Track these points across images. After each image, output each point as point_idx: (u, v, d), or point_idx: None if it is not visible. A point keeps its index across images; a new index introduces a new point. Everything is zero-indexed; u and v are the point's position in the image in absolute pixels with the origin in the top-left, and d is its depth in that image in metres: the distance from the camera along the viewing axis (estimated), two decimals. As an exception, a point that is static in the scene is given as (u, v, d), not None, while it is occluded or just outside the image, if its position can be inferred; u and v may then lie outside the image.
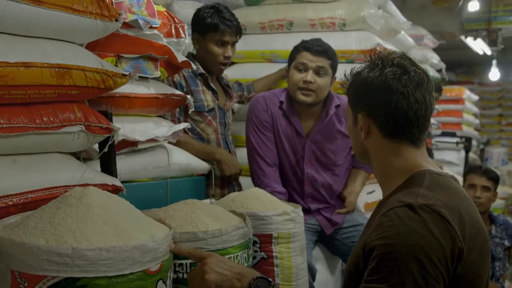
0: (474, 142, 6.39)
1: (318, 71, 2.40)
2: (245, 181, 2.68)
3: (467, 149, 5.33)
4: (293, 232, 1.80)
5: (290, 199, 2.44)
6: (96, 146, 1.67)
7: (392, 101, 1.29)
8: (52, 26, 1.38)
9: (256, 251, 1.74)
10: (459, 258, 1.17)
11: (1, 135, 1.29)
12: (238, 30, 2.53)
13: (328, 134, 2.49)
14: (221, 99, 2.62)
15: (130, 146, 1.86)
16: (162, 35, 1.88)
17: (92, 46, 1.62)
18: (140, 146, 1.91)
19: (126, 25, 1.73)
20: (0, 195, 1.30)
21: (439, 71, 5.19)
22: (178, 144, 2.19)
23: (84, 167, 1.56)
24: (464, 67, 10.24)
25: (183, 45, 2.10)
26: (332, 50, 2.46)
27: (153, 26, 1.83)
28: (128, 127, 1.80)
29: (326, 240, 2.54)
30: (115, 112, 1.74)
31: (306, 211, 2.45)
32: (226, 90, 2.71)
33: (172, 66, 2.00)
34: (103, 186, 1.53)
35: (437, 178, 1.30)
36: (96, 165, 1.69)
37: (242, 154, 2.83)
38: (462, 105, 6.35)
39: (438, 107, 5.44)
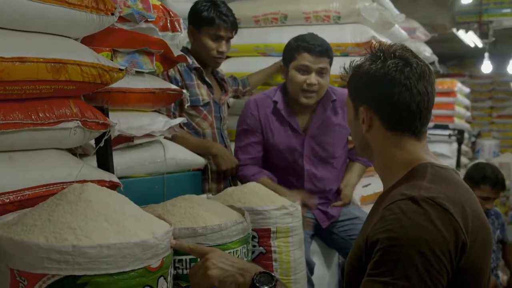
0: (465, 135, 6.41)
1: (320, 72, 2.39)
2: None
3: (460, 142, 5.34)
4: (291, 226, 1.80)
5: None
6: (92, 141, 1.65)
7: (394, 93, 1.27)
8: (48, 20, 1.36)
9: (254, 246, 1.74)
10: (462, 251, 1.16)
11: (-4, 132, 1.27)
12: (233, 26, 2.51)
13: (326, 128, 2.48)
14: (216, 93, 2.61)
15: (126, 141, 1.85)
16: (157, 29, 1.86)
17: (88, 41, 1.60)
18: (136, 142, 1.89)
19: (121, 19, 1.70)
20: (-3, 193, 1.28)
21: (431, 63, 5.20)
22: (174, 139, 2.17)
23: (81, 163, 1.54)
24: (455, 59, 10.27)
25: (177, 39, 2.08)
26: (329, 46, 2.45)
27: (149, 20, 1.80)
28: (124, 122, 1.78)
29: (323, 233, 2.54)
30: (111, 107, 1.72)
31: (303, 205, 2.45)
32: (221, 84, 2.69)
33: (168, 60, 1.98)
34: (100, 182, 1.51)
35: (439, 171, 1.30)
36: (93, 161, 1.68)
37: (236, 148, 2.83)
38: (454, 98, 6.35)
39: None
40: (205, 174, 2.40)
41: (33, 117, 1.35)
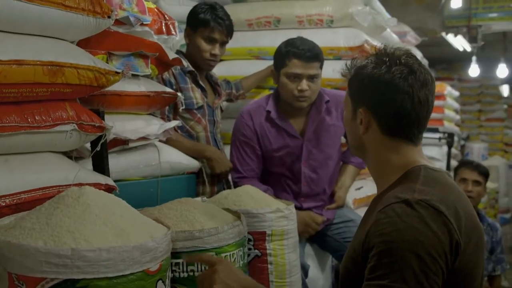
0: (455, 138, 6.45)
1: (311, 77, 2.38)
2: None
3: (450, 145, 5.38)
4: (287, 229, 1.81)
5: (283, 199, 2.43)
6: (88, 145, 1.64)
7: (396, 100, 1.28)
8: (45, 23, 1.36)
9: (250, 249, 1.74)
10: (456, 252, 1.18)
11: (-7, 135, 1.26)
12: (229, 30, 2.52)
13: (321, 130, 2.48)
14: (210, 97, 2.61)
15: (121, 144, 1.84)
16: (153, 32, 1.86)
17: (83, 44, 1.59)
18: (131, 145, 1.89)
19: (117, 22, 1.70)
20: (-7, 196, 1.28)
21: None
22: (168, 142, 2.17)
23: (76, 166, 1.53)
24: (444, 63, 10.35)
25: (172, 42, 2.08)
26: (319, 49, 2.43)
27: (144, 23, 1.81)
28: (119, 126, 1.77)
29: (317, 236, 2.54)
30: (106, 110, 1.72)
31: (298, 209, 2.45)
32: (215, 88, 2.70)
33: (163, 64, 1.98)
34: (96, 186, 1.50)
35: (432, 173, 1.31)
36: (88, 164, 1.67)
37: (228, 151, 2.82)
38: (443, 101, 6.39)
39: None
40: (199, 177, 2.40)
41: (29, 120, 1.35)
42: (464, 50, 7.80)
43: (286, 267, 1.80)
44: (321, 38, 2.67)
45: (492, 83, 10.28)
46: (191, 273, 1.41)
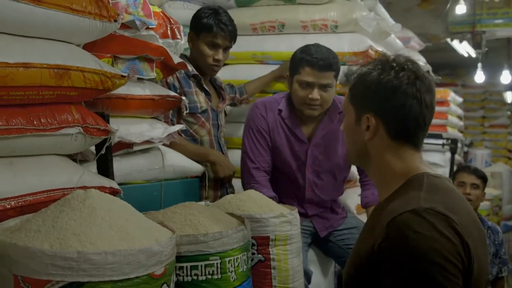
0: (458, 144, 6.45)
1: (323, 86, 2.33)
2: (238, 183, 2.67)
3: (453, 151, 5.37)
4: (290, 234, 1.80)
5: (288, 204, 2.42)
6: (92, 148, 1.65)
7: (406, 105, 1.30)
8: (51, 26, 1.36)
9: (253, 254, 1.73)
10: (469, 255, 1.18)
11: (-1, 137, 1.27)
12: (232, 35, 2.52)
13: (331, 138, 2.45)
14: (214, 101, 2.61)
15: (125, 148, 1.84)
16: (158, 36, 1.87)
17: (89, 47, 1.60)
18: (135, 148, 1.89)
19: (122, 25, 1.70)
20: (-2, 198, 1.28)
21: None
22: (172, 145, 2.17)
23: (81, 169, 1.54)
24: (448, 69, 10.36)
25: (177, 46, 2.08)
26: (336, 57, 2.38)
27: (150, 27, 1.81)
28: (123, 129, 1.78)
29: (320, 242, 2.54)
30: (111, 113, 1.72)
31: (303, 215, 2.45)
32: (219, 92, 2.70)
33: (167, 67, 1.98)
34: (100, 188, 1.51)
35: (434, 180, 1.31)
36: (92, 167, 1.67)
37: (233, 156, 2.82)
38: (447, 107, 6.40)
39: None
40: (203, 181, 2.40)
41: (35, 122, 1.35)
42: (469, 56, 7.81)
43: (289, 272, 1.80)
44: (325, 43, 2.65)
45: (496, 89, 10.29)
46: (195, 277, 1.41)
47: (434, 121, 6.80)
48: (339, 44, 2.85)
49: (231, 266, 1.46)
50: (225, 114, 2.78)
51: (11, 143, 1.32)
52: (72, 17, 1.39)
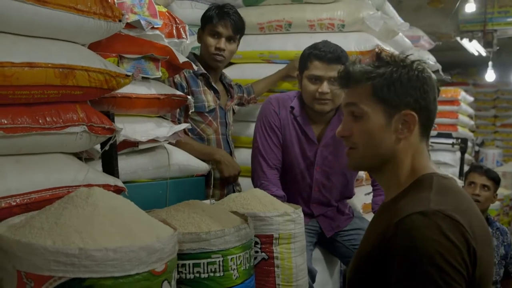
0: (469, 143, 6.41)
1: (333, 80, 2.30)
2: (245, 181, 2.68)
3: (463, 150, 5.35)
4: (294, 233, 1.81)
5: (295, 203, 2.41)
6: (98, 146, 1.67)
7: (435, 98, 1.32)
8: (57, 26, 1.38)
9: (257, 252, 1.75)
10: (474, 260, 1.18)
11: (4, 135, 1.29)
12: (234, 25, 2.53)
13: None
14: (222, 99, 2.63)
15: (131, 146, 1.86)
16: (163, 36, 1.88)
17: (94, 46, 1.62)
18: (141, 147, 1.91)
19: (128, 25, 1.73)
20: (4, 196, 1.30)
21: (435, 72, 5.21)
22: (177, 144, 2.19)
23: (86, 167, 1.56)
24: (459, 68, 10.29)
25: (183, 46, 2.10)
26: (344, 52, 2.38)
27: (155, 26, 1.83)
28: (129, 128, 1.80)
29: (326, 242, 2.54)
30: (116, 112, 1.74)
31: (309, 215, 2.45)
32: (228, 90, 2.72)
33: (173, 67, 2.00)
34: (105, 187, 1.53)
35: (444, 181, 1.31)
36: (98, 165, 1.69)
37: (241, 154, 2.84)
38: (457, 106, 6.37)
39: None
40: (208, 180, 2.41)
41: (40, 121, 1.37)
42: (479, 55, 7.75)
43: (293, 270, 1.80)
44: (332, 42, 2.67)
45: (508, 88, 10.20)
46: (197, 275, 1.42)
47: (445, 120, 6.80)
48: (346, 43, 2.84)
49: (233, 264, 1.47)
50: (234, 112, 2.79)
51: (17, 142, 1.34)
52: (77, 17, 1.41)
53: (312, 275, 2.26)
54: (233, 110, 2.77)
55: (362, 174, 2.85)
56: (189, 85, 2.47)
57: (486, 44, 7.13)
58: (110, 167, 1.66)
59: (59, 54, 1.38)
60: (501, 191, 6.21)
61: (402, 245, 1.17)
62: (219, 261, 1.43)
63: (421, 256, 1.14)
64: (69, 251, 1.04)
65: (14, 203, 1.31)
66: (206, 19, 2.54)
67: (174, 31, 1.96)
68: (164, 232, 1.23)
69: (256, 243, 1.73)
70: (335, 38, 2.84)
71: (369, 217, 2.63)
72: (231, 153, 2.63)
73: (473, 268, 1.18)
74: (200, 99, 2.49)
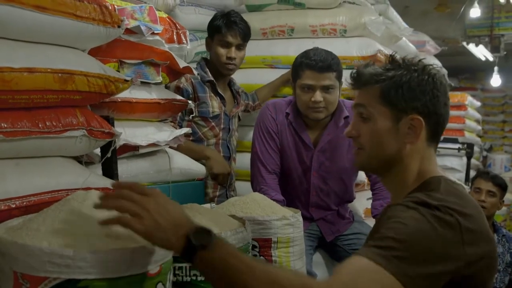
0: (476, 148, 6.37)
1: (326, 88, 2.33)
2: (243, 186, 2.69)
3: (469, 156, 5.31)
4: (292, 237, 1.82)
5: (294, 207, 2.42)
6: (98, 150, 1.69)
7: (447, 104, 1.31)
8: (56, 32, 1.41)
9: (255, 255, 1.76)
10: (469, 263, 1.17)
11: (4, 139, 1.31)
12: (242, 33, 2.58)
13: (337, 143, 2.44)
14: (228, 105, 2.68)
15: (131, 150, 1.88)
16: (164, 41, 1.91)
17: (95, 52, 1.65)
18: (141, 151, 1.93)
19: (128, 31, 1.75)
20: (3, 198, 1.32)
21: (441, 77, 5.19)
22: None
23: (86, 171, 1.58)
24: (467, 73, 10.24)
25: (184, 51, 2.13)
26: (335, 58, 2.38)
27: (155, 32, 1.86)
28: (129, 132, 1.82)
29: (327, 246, 2.54)
30: (117, 117, 1.77)
31: (309, 219, 2.46)
32: (235, 96, 2.76)
33: (173, 72, 2.02)
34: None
35: (451, 185, 1.30)
36: (98, 169, 1.72)
37: (243, 159, 2.85)
38: (464, 111, 6.34)
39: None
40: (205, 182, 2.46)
41: (40, 125, 1.39)
42: (487, 60, 7.72)
43: (291, 274, 1.81)
44: (334, 47, 2.67)
45: (516, 93, 10.13)
46: (194, 277, 1.43)
47: (451, 125, 6.75)
48: (348, 48, 2.87)
49: (230, 267, 1.47)
50: (239, 119, 2.83)
51: (16, 145, 1.36)
52: (76, 23, 1.43)
53: (312, 279, 2.26)
54: (238, 116, 2.80)
55: (363, 178, 2.84)
56: (195, 90, 2.53)
57: (493, 49, 7.10)
58: (110, 171, 1.68)
59: (58, 60, 1.40)
60: (508, 197, 6.16)
61: (395, 221, 1.17)
62: (215, 264, 1.44)
63: (400, 232, 1.13)
64: (64, 253, 1.05)
65: (13, 206, 1.33)
66: (214, 28, 2.57)
67: (175, 36, 1.99)
68: (159, 234, 1.24)
69: (254, 246, 1.74)
70: (337, 43, 2.87)
71: (371, 222, 2.63)
72: (229, 158, 2.66)
73: (468, 271, 1.17)
74: (205, 105, 2.55)
